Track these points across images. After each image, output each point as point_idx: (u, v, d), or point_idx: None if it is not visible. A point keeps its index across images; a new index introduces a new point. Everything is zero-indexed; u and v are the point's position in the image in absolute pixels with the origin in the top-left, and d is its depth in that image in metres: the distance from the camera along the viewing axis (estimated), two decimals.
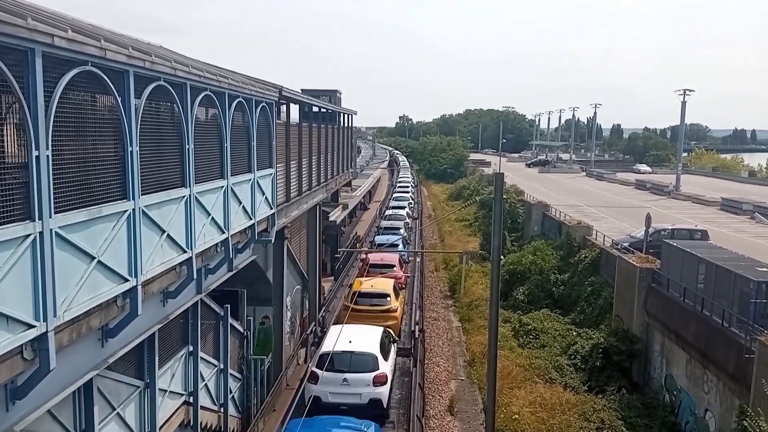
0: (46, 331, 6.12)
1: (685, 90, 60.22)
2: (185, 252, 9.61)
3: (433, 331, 27.80)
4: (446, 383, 22.54)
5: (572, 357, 22.90)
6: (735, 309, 17.00)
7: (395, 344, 20.40)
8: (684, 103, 60.05)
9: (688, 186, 60.47)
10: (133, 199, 7.82)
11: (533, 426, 18.05)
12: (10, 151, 5.92)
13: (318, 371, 16.84)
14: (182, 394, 12.05)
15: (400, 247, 38.31)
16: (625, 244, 27.25)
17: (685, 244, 21.66)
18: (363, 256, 34.10)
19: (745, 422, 13.93)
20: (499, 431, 17.44)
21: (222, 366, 14.30)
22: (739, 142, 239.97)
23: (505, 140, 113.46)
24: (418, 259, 36.16)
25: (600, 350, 22.13)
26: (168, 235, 8.97)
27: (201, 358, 12.69)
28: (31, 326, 5.93)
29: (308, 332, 21.93)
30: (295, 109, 18.86)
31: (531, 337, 25.27)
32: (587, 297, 27.48)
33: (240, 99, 12.16)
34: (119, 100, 7.47)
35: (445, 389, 21.97)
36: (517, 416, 18.47)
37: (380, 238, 38.86)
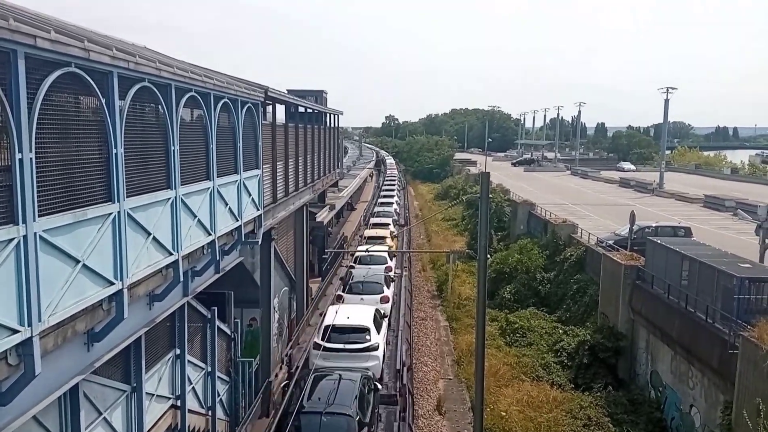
0: (31, 336, 6.04)
1: (668, 88, 60.70)
2: (171, 254, 9.55)
3: (420, 331, 27.84)
4: (434, 383, 22.58)
5: (559, 354, 23.04)
6: (718, 305, 17.19)
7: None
8: (667, 101, 60.53)
9: (672, 183, 61.03)
10: (118, 201, 7.75)
11: (521, 424, 18.14)
12: None
13: None
14: (169, 398, 11.95)
15: (393, 207, 48.33)
16: (610, 242, 27.46)
17: (669, 242, 21.87)
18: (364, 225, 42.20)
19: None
20: (488, 430, 17.50)
21: (209, 369, 14.20)
22: (722, 139, 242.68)
23: (491, 139, 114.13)
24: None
25: (586, 347, 22.28)
26: (154, 238, 8.90)
27: (188, 361, 12.60)
28: (15, 331, 5.85)
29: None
30: (281, 109, 18.82)
31: (518, 335, 25.42)
32: (573, 295, 27.66)
33: (225, 99, 12.10)
34: (103, 101, 7.40)
35: (433, 389, 22.02)
36: (505, 414, 18.57)
37: (378, 209, 48.81)
